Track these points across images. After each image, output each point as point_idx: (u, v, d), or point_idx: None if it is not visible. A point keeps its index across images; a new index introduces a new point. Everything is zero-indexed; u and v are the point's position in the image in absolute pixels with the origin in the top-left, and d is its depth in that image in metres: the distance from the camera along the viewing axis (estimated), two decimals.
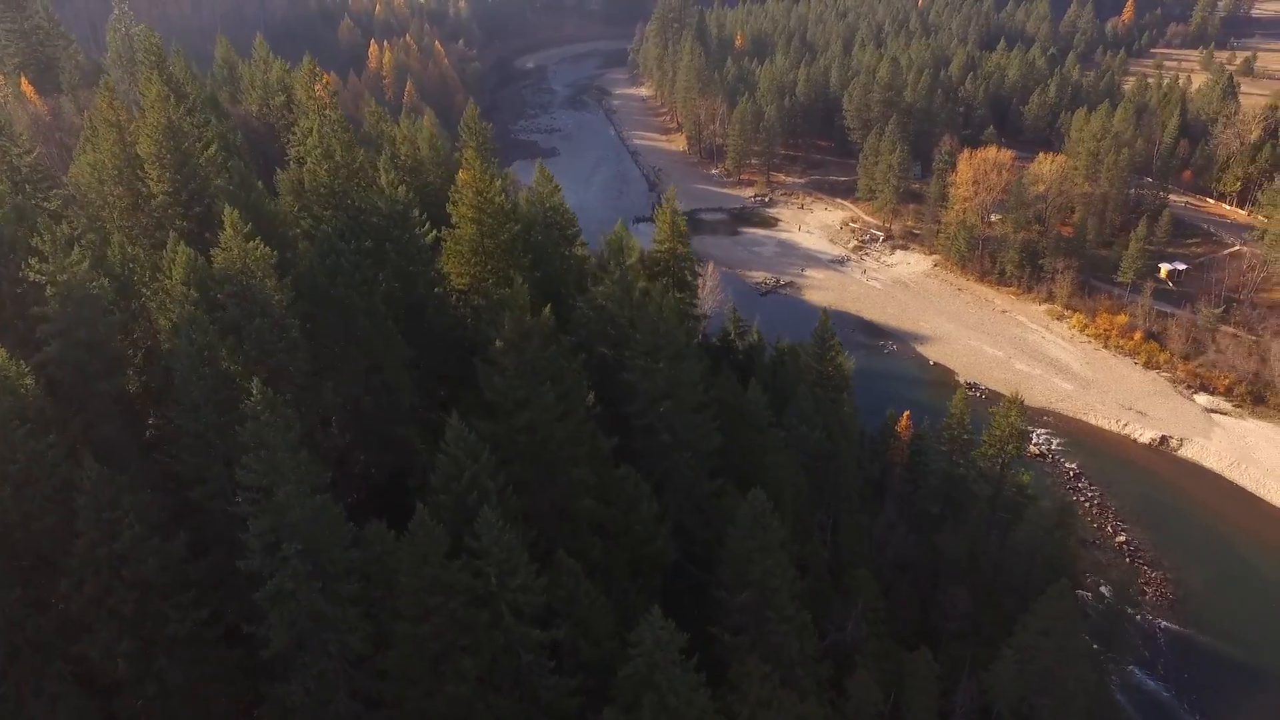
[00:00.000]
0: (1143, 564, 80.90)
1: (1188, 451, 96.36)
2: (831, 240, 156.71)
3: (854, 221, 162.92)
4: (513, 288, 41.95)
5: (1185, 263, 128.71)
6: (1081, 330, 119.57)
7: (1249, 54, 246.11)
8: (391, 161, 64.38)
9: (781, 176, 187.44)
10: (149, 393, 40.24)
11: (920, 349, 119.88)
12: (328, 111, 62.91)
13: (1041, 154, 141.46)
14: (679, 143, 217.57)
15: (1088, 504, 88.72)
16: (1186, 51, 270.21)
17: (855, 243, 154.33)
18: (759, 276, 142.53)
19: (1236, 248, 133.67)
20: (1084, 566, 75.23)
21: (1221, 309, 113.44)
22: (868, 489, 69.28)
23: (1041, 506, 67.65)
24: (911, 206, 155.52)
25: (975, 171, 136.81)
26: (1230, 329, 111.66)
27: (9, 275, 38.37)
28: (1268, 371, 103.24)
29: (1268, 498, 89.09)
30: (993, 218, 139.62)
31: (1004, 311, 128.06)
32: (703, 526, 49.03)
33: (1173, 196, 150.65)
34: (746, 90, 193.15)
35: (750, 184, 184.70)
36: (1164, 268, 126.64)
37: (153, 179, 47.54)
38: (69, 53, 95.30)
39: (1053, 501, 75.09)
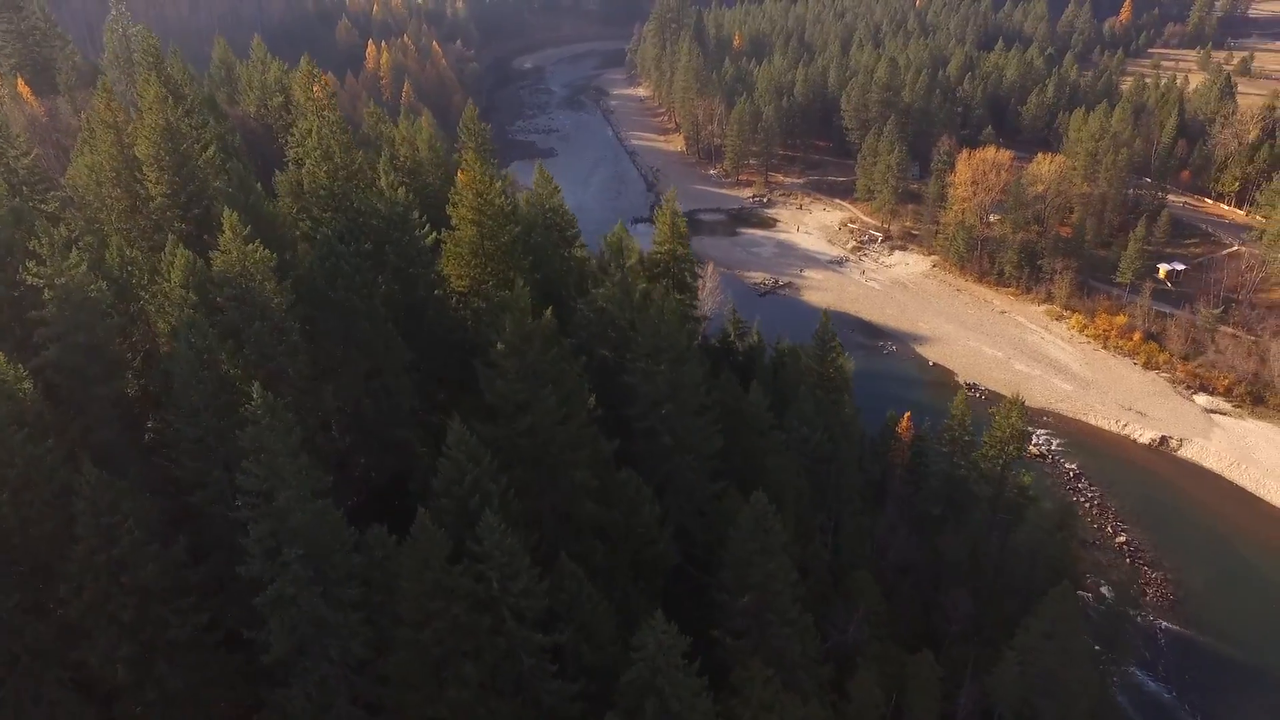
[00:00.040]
0: (1143, 565, 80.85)
1: (1187, 452, 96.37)
2: (830, 241, 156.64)
3: (852, 222, 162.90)
4: (513, 290, 41.76)
5: (1184, 263, 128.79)
6: (1080, 331, 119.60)
7: (1246, 54, 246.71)
8: (391, 163, 64.15)
9: (780, 177, 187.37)
10: (148, 397, 39.99)
11: (919, 350, 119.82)
12: (326, 113, 62.64)
13: (1040, 154, 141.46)
14: (677, 143, 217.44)
15: (1088, 504, 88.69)
16: (1184, 51, 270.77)
17: (854, 243, 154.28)
18: (757, 277, 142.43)
19: (1235, 248, 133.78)
20: (1084, 567, 75.16)
21: (1220, 309, 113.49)
22: (868, 490, 69.13)
23: (1043, 508, 67.58)
24: (910, 207, 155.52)
25: (974, 172, 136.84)
26: (1229, 329, 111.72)
27: (6, 278, 38.12)
28: (1267, 372, 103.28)
29: (1267, 498, 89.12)
30: (991, 218, 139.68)
31: (1003, 312, 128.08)
32: (704, 529, 48.89)
33: (1171, 197, 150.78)
34: (744, 90, 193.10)
35: (748, 184, 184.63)
36: (1163, 268, 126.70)
37: (151, 181, 47.26)
38: (66, 54, 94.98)
39: (1054, 503, 75.09)
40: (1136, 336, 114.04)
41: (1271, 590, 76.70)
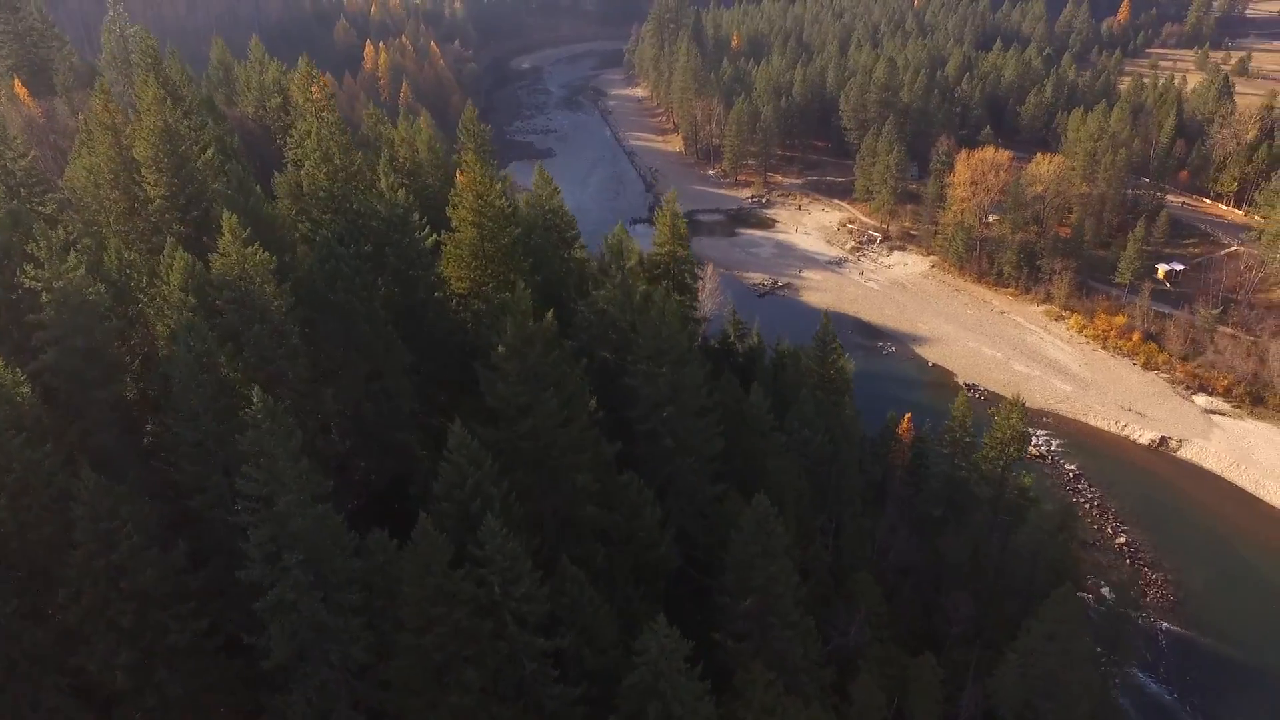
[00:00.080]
0: (1143, 566, 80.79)
1: (1187, 452, 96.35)
2: (829, 241, 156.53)
3: (851, 222, 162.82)
4: (514, 293, 41.60)
5: (1183, 263, 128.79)
6: (1080, 331, 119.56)
7: (1243, 54, 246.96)
8: (390, 164, 63.95)
9: (778, 177, 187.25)
10: (147, 400, 39.82)
11: (918, 350, 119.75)
12: (325, 114, 62.46)
13: (1039, 154, 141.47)
14: (675, 143, 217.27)
15: (1088, 505, 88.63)
16: (1181, 51, 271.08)
17: (852, 244, 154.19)
18: (756, 278, 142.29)
19: (1234, 248, 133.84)
20: (1085, 569, 75.07)
21: (1219, 309, 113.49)
22: (869, 492, 69.01)
23: (1043, 509, 67.44)
24: (909, 207, 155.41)
25: (973, 172, 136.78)
26: (1228, 329, 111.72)
27: (4, 281, 37.99)
28: (1266, 372, 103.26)
29: (1267, 498, 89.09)
30: (990, 218, 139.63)
31: (1002, 312, 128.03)
32: (705, 532, 48.76)
33: (1170, 197, 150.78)
34: (743, 91, 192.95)
35: (747, 185, 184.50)
36: (1161, 268, 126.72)
37: (149, 183, 47.08)
38: (63, 54, 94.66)
39: (1054, 504, 74.97)
40: (1136, 337, 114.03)
41: (1271, 591, 76.67)
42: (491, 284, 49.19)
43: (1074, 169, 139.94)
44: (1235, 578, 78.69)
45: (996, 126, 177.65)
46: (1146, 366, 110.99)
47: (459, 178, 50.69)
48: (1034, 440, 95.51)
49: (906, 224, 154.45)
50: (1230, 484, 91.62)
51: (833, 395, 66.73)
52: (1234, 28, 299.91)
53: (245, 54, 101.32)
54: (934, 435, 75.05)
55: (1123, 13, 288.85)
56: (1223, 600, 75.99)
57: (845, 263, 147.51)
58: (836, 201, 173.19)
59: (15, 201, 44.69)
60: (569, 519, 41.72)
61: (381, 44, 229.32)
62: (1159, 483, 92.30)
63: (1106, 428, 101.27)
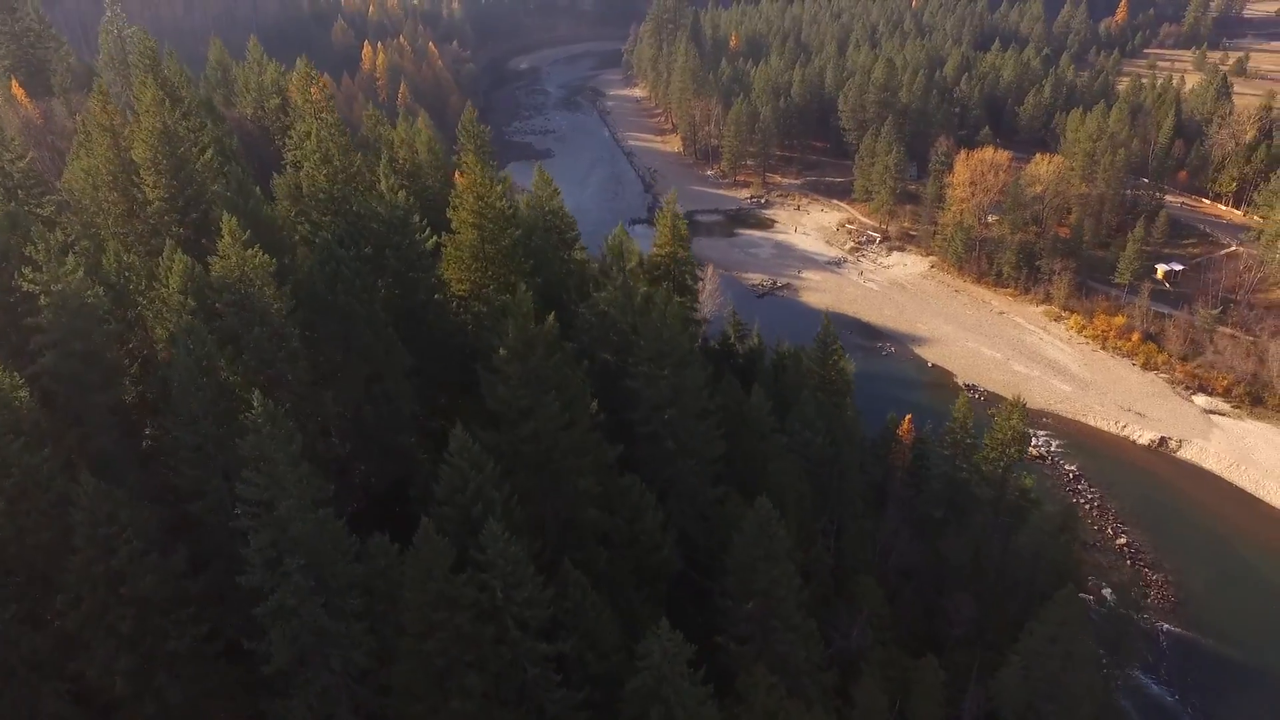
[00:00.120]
0: (1144, 566, 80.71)
1: (1187, 453, 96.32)
2: (828, 242, 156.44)
3: (850, 223, 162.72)
4: (516, 295, 41.40)
5: (1182, 263, 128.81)
6: (1079, 331, 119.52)
7: (1241, 54, 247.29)
8: (390, 166, 63.76)
9: (777, 178, 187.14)
10: (146, 404, 39.61)
11: (918, 351, 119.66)
12: (325, 115, 62.23)
13: (1038, 155, 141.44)
14: (674, 144, 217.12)
15: (1088, 506, 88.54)
16: (1179, 52, 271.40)
17: (851, 244, 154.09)
18: (755, 278, 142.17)
19: (1233, 248, 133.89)
20: (1085, 570, 74.99)
21: (1219, 310, 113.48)
22: (870, 494, 68.84)
23: (1045, 510, 67.33)
24: (908, 208, 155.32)
25: (972, 172, 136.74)
26: (1228, 330, 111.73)
27: (2, 285, 37.74)
28: (1266, 372, 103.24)
29: (1267, 499, 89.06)
30: (989, 219, 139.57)
31: (1001, 313, 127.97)
32: (706, 534, 48.61)
33: (1169, 197, 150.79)
34: (741, 91, 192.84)
35: (746, 185, 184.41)
36: (1160, 268, 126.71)
37: (148, 185, 46.85)
38: (60, 55, 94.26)
39: (1055, 505, 74.86)
40: (1135, 337, 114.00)
41: (1272, 591, 76.62)
42: (492, 286, 49.03)
43: (1073, 169, 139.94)
44: (1235, 578, 78.64)
45: (995, 127, 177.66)
46: (1146, 367, 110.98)
47: (458, 179, 50.50)
48: (1034, 441, 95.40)
49: (905, 224, 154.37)
50: (1230, 484, 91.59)
51: (834, 397, 66.59)
52: (1231, 28, 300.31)
53: (243, 55, 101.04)
54: (935, 436, 74.91)
55: (1120, 13, 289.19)
56: (1223, 601, 75.93)
57: (844, 263, 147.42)
58: (835, 202, 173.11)
59: (13, 203, 44.42)
60: (571, 522, 41.55)
61: (379, 44, 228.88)
62: (1159, 483, 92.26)
63: (1106, 428, 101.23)
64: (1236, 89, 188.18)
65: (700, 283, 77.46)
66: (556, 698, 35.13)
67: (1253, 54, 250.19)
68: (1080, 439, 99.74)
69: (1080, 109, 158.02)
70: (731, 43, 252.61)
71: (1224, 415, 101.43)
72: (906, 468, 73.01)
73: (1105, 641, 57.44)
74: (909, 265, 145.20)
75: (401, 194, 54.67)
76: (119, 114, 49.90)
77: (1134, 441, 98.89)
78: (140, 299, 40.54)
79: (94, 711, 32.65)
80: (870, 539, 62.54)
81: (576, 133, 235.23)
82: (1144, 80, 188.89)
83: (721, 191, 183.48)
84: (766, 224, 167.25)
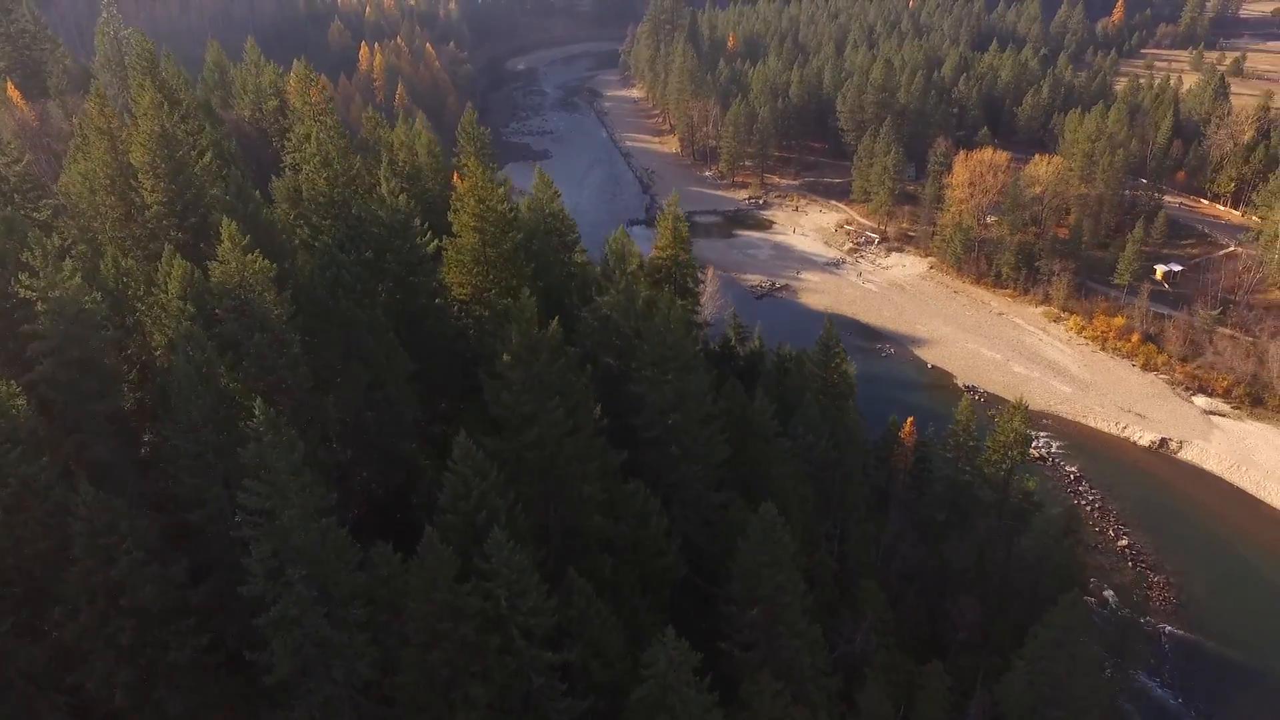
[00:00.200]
0: (1146, 568, 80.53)
1: (1187, 454, 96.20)
2: (826, 243, 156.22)
3: (849, 224, 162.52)
4: (519, 299, 41.02)
5: (1181, 264, 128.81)
6: (1079, 332, 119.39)
7: (1238, 54, 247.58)
8: (390, 168, 63.33)
9: (775, 178, 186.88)
10: (145, 411, 39.17)
11: (917, 352, 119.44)
12: (324, 118, 61.80)
13: (1037, 155, 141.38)
14: (671, 145, 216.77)
15: (1089, 508, 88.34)
16: (1176, 52, 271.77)
17: (850, 245, 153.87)
18: (754, 280, 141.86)
19: (1232, 249, 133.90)
20: (1088, 572, 74.75)
21: (1218, 310, 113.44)
22: (872, 497, 68.56)
23: (1049, 513, 67.08)
24: (906, 208, 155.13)
25: (971, 173, 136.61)
26: (1227, 330, 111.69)
27: None
28: (1266, 373, 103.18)
29: (1268, 500, 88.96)
30: (988, 219, 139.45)
31: (1000, 314, 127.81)
32: (710, 539, 48.25)
33: (1167, 198, 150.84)
34: (739, 92, 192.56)
35: (744, 186, 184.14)
36: (1160, 269, 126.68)
37: (146, 189, 46.36)
38: (56, 56, 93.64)
39: (1057, 507, 74.63)
40: (1135, 338, 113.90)
41: (1274, 592, 76.45)
42: (493, 290, 48.63)
43: (1072, 170, 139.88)
44: (1237, 580, 78.48)
45: (994, 127, 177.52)
46: (1146, 368, 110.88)
47: (458, 182, 50.09)
48: (1034, 442, 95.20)
49: (904, 225, 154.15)
50: (1231, 485, 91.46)
51: (836, 400, 66.23)
52: (1228, 28, 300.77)
53: (239, 56, 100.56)
54: (936, 439, 74.66)
55: (1117, 13, 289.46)
56: (1225, 603, 75.76)
57: (843, 264, 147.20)
58: (834, 203, 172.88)
59: (9, 208, 43.99)
60: (575, 529, 41.17)
61: (376, 45, 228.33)
62: (1160, 484, 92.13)
63: (1107, 429, 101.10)
64: (1234, 89, 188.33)
65: (701, 285, 77.12)
66: (562, 707, 34.77)
67: (1249, 54, 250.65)
68: (1081, 440, 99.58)
69: (1079, 109, 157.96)
70: (729, 43, 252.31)
71: (1224, 416, 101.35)
72: (909, 471, 72.79)
73: (1109, 645, 57.26)
74: (908, 266, 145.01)
75: (402, 197, 54.24)
76: (116, 117, 49.40)
77: (1134, 443, 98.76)
78: (139, 305, 40.05)
79: None
80: (873, 543, 62.24)
81: (574, 133, 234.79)
82: (1141, 80, 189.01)
83: (719, 192, 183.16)
84: (765, 225, 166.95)
